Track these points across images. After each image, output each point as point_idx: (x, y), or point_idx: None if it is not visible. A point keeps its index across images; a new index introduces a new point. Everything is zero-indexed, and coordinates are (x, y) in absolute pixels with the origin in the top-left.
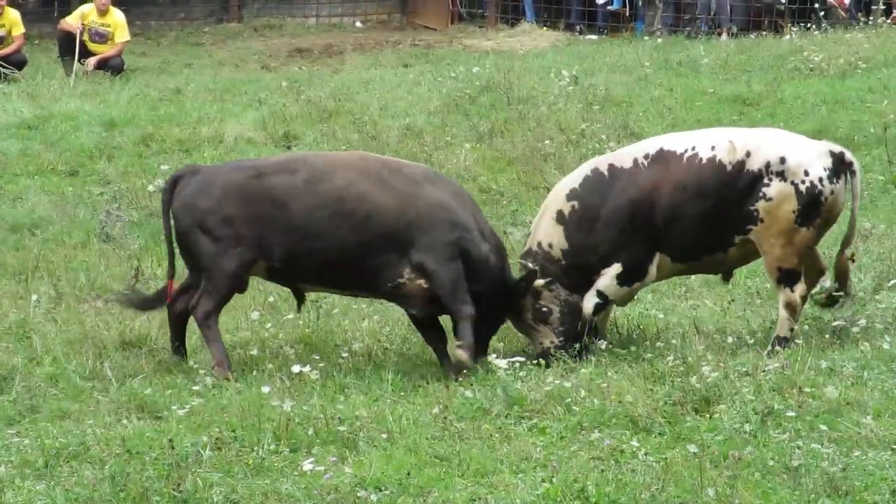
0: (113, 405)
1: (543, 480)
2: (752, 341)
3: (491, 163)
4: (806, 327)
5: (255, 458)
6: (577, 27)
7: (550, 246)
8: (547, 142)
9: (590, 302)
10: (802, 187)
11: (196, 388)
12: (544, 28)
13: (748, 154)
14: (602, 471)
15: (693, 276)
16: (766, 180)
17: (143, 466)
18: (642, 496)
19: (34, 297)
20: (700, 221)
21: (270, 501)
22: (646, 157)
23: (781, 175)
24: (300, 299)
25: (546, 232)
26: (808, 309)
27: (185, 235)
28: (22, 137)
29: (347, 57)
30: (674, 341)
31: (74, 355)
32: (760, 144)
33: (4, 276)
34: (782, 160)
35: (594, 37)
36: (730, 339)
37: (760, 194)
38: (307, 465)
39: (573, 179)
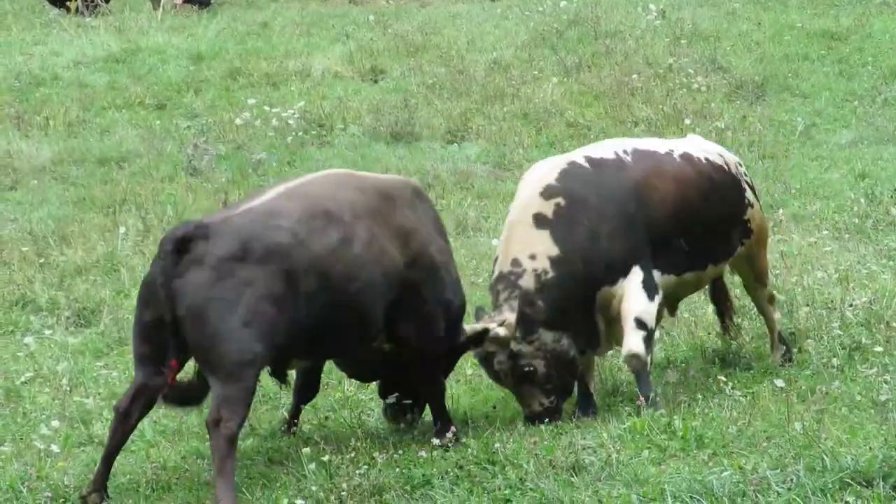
0: None
1: (630, 414)
2: (836, 276)
3: (578, 97)
4: (893, 263)
5: None
6: None
7: (534, 257)
8: (634, 76)
9: (634, 339)
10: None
11: None
12: None
13: (722, 156)
14: (689, 405)
15: None
16: (743, 185)
17: None
18: (729, 430)
19: (122, 230)
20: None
21: None
22: (625, 151)
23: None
24: None
25: (524, 242)
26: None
27: None
28: (110, 71)
29: None
30: None
31: None
32: (722, 150)
33: (92, 209)
34: (739, 163)
35: None
36: (819, 274)
37: (747, 201)
38: None
39: (541, 179)
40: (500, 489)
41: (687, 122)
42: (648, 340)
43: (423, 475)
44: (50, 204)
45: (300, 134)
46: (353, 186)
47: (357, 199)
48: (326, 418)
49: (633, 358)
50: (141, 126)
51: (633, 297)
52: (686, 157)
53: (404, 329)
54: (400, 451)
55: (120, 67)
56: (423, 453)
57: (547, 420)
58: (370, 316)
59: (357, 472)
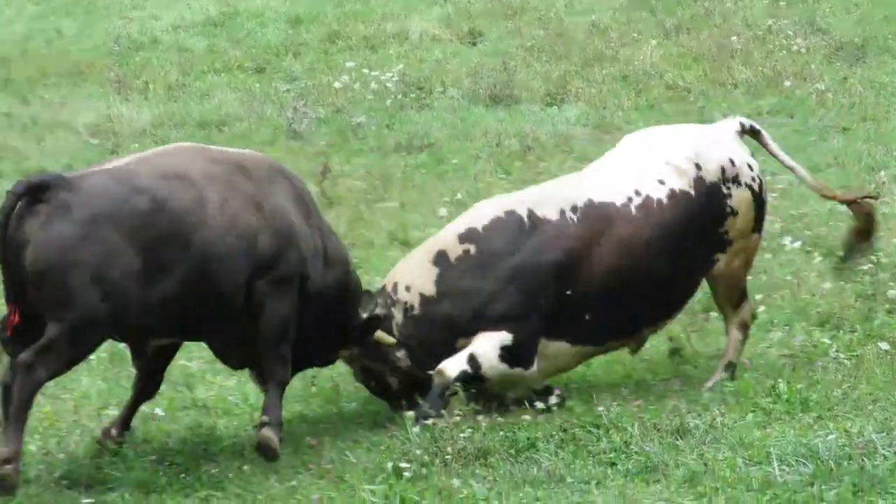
0: None
1: (734, 379)
2: None
3: (677, 59)
4: None
5: None
6: None
7: (408, 289)
8: (734, 38)
9: (455, 365)
10: (756, 185)
11: None
12: None
13: (698, 166)
14: (793, 368)
15: None
16: (724, 190)
17: None
18: (834, 393)
19: None
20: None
21: None
22: (573, 209)
23: (736, 180)
24: None
25: (411, 272)
26: None
27: None
28: (208, 35)
29: None
30: None
31: None
32: (702, 149)
33: None
34: (732, 162)
35: None
36: None
37: (728, 210)
38: None
39: (473, 219)
40: (604, 452)
41: (787, 84)
42: (464, 377)
43: (528, 438)
44: None
45: (399, 97)
46: (205, 157)
47: (208, 168)
48: None
49: (438, 373)
50: (240, 89)
51: (489, 343)
52: (645, 206)
53: (259, 305)
54: (504, 415)
55: (218, 31)
56: (527, 416)
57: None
58: (230, 288)
59: (461, 435)
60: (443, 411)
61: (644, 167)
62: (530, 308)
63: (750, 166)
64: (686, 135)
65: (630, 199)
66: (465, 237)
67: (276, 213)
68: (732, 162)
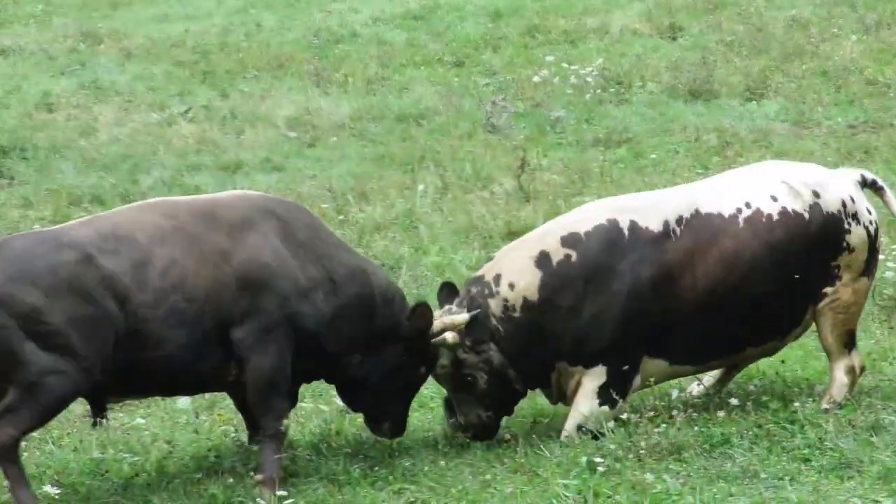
0: None
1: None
2: None
3: (878, 55)
4: None
5: None
6: None
7: (511, 287)
8: None
9: (571, 426)
10: (872, 228)
11: None
12: None
13: (816, 194)
14: None
15: None
16: (845, 225)
17: None
18: None
19: (420, 186)
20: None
21: None
22: (678, 221)
23: (856, 217)
24: None
25: (515, 269)
26: None
27: None
28: (408, 28)
29: None
30: None
31: (460, 245)
32: (822, 182)
33: (391, 166)
34: (852, 199)
35: None
36: None
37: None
38: None
39: (577, 221)
40: (798, 448)
41: None
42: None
43: (722, 434)
44: (349, 160)
45: (598, 91)
46: (163, 213)
47: (161, 225)
48: None
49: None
50: (439, 83)
51: (583, 397)
52: (752, 221)
53: (241, 359)
54: (698, 411)
55: (418, 24)
56: (721, 413)
57: (478, 436)
58: (180, 350)
59: (655, 430)
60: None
61: (759, 184)
62: (631, 335)
63: (868, 210)
64: (810, 166)
65: (739, 211)
66: (567, 241)
67: (248, 261)
68: (853, 199)
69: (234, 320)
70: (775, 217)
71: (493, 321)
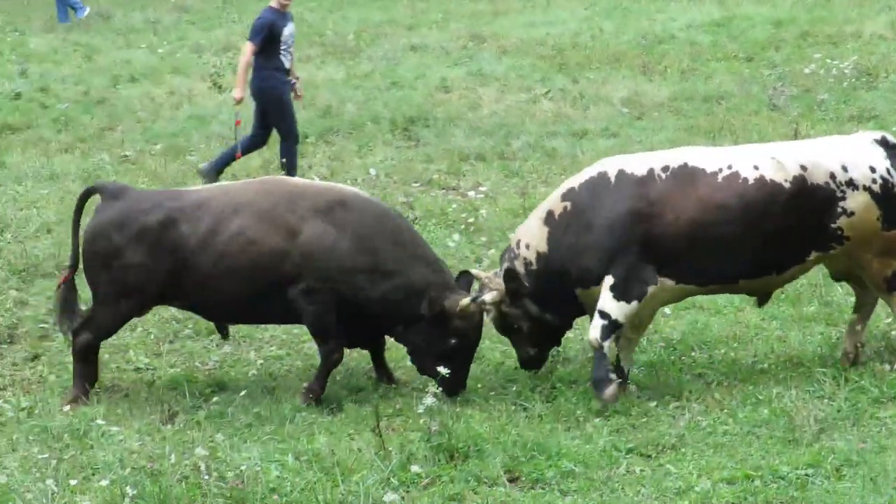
0: None
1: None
2: None
3: None
4: None
5: None
6: None
7: (527, 247)
8: None
9: (595, 331)
10: (878, 186)
11: None
12: None
13: (804, 168)
14: None
15: None
16: (837, 194)
17: None
18: None
19: None
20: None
21: None
22: (664, 168)
23: (851, 184)
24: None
25: (529, 231)
26: None
27: None
28: (713, 32)
29: None
30: None
31: None
32: (814, 156)
33: (698, 134)
34: (844, 168)
35: None
36: None
37: (840, 210)
38: None
39: (575, 177)
40: None
41: None
42: (608, 332)
43: None
44: (667, 130)
45: (853, 80)
46: (263, 191)
47: (251, 201)
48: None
49: (590, 342)
50: (735, 73)
51: (601, 296)
52: (731, 178)
53: (299, 309)
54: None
55: (720, 29)
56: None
57: (528, 367)
58: (249, 288)
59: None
60: (612, 374)
61: (749, 153)
62: (621, 250)
63: (872, 168)
64: (816, 144)
65: (720, 170)
66: (565, 195)
67: (309, 239)
68: (845, 168)
69: (289, 279)
70: (751, 181)
71: (521, 278)
